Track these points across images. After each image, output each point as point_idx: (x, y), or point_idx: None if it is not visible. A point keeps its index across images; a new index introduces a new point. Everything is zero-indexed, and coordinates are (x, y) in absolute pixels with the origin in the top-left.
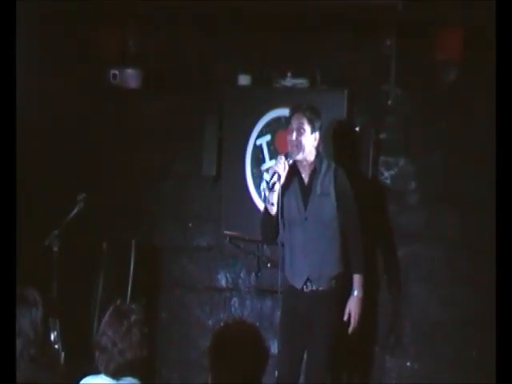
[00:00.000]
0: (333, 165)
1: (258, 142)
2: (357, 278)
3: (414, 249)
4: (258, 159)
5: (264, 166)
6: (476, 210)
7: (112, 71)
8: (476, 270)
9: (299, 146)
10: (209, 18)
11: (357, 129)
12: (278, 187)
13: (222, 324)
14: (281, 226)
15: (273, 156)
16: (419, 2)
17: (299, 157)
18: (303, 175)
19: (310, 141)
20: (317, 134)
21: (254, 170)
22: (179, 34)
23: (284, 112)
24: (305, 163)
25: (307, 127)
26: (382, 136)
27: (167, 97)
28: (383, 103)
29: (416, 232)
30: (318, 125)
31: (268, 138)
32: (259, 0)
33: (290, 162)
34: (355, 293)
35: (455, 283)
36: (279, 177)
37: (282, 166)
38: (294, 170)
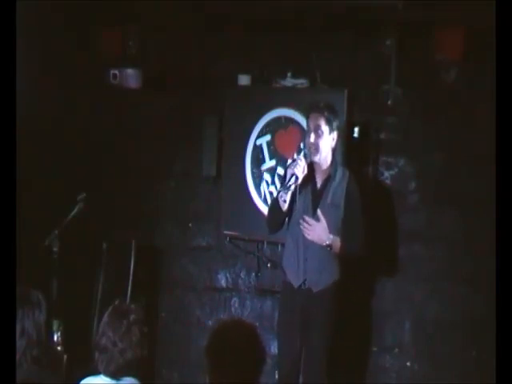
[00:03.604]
0: (347, 173)
1: (258, 142)
2: (337, 242)
3: (414, 249)
4: (258, 159)
5: (264, 166)
6: (476, 210)
7: (112, 71)
8: (476, 269)
9: (317, 149)
10: (209, 18)
11: (357, 129)
12: (293, 187)
13: (218, 323)
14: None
15: (273, 156)
16: (419, 2)
17: (316, 158)
18: (317, 179)
19: (327, 142)
20: (335, 134)
21: (254, 170)
22: (179, 34)
23: (284, 112)
24: (320, 167)
25: (325, 128)
26: (382, 136)
27: (167, 97)
28: (383, 103)
29: (416, 232)
30: (336, 124)
31: (268, 137)
32: (260, 0)
33: (308, 161)
34: (332, 237)
35: (455, 283)
36: (297, 179)
37: (301, 169)
38: (309, 171)
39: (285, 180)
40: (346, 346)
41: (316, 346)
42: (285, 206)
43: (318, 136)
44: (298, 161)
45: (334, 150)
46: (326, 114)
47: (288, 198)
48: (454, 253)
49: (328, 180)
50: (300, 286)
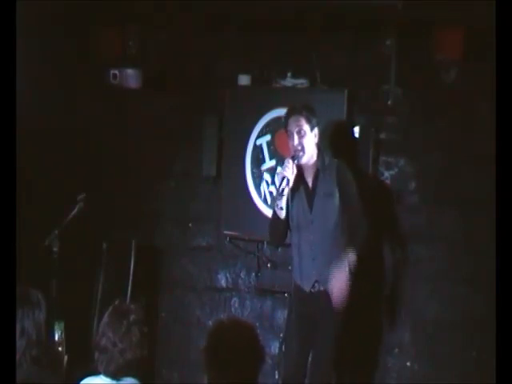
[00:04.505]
0: (335, 161)
1: (258, 142)
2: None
3: (414, 249)
4: (258, 159)
5: (264, 166)
6: (476, 210)
7: (112, 71)
8: (476, 269)
9: (303, 149)
10: (209, 18)
11: (357, 129)
12: (286, 192)
13: (215, 323)
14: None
15: (273, 156)
16: (419, 2)
17: (303, 160)
18: (307, 178)
19: (311, 140)
20: (316, 131)
21: (254, 170)
22: (179, 34)
23: (284, 112)
24: (308, 165)
25: (306, 127)
26: (382, 136)
27: (167, 97)
28: (383, 103)
29: (416, 232)
30: (315, 121)
31: (268, 137)
32: (260, 0)
33: (296, 163)
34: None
35: (455, 283)
36: (288, 181)
37: (290, 171)
38: (298, 173)
39: (278, 187)
40: (352, 346)
41: (324, 347)
42: (282, 214)
43: (302, 136)
44: (286, 163)
45: (318, 145)
46: (304, 113)
47: (284, 204)
48: (454, 253)
49: (317, 174)
50: (311, 289)
